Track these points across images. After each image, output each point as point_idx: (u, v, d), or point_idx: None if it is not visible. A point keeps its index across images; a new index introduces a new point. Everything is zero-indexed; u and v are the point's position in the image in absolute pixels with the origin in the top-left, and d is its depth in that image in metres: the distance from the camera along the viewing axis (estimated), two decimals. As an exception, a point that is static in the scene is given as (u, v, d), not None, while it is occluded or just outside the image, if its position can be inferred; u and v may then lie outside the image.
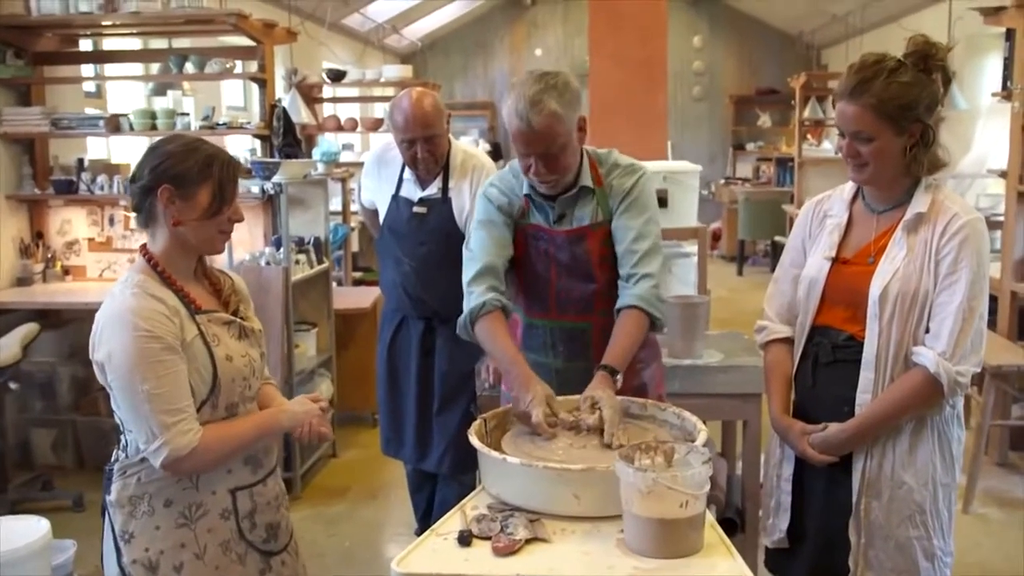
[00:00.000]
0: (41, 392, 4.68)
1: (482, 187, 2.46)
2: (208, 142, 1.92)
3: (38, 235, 4.90)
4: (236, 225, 1.99)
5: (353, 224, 7.00)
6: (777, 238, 10.07)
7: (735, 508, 3.36)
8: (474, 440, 1.99)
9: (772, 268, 10.74)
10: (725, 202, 11.67)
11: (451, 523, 1.84)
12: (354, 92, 8.76)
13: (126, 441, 1.91)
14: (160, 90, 5.80)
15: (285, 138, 4.79)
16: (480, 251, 2.32)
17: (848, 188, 2.23)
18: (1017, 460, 4.68)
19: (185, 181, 1.85)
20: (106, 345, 1.82)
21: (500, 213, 2.36)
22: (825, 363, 2.17)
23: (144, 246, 1.94)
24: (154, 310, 1.82)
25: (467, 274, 2.32)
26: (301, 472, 4.40)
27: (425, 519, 3.61)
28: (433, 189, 3.24)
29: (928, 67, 2.03)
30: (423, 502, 3.63)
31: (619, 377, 2.13)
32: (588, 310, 2.35)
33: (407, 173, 3.28)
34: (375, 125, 8.17)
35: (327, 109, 8.61)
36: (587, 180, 2.33)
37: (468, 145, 3.49)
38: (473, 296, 2.27)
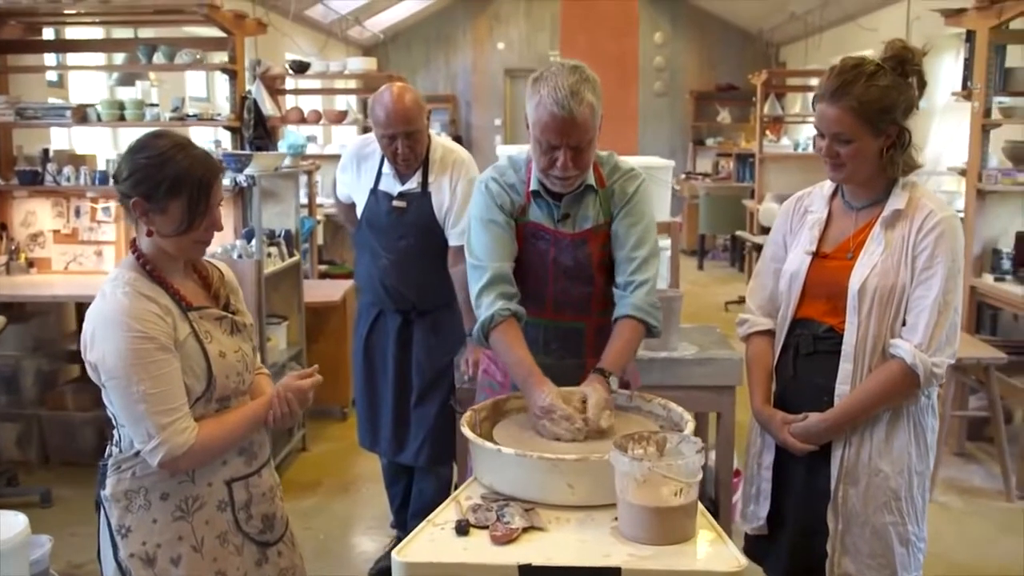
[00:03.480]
0: (5, 386, 4.61)
1: (480, 178, 2.41)
2: (187, 149, 1.86)
3: (1, 227, 4.80)
4: None
5: (319, 217, 6.97)
6: (738, 233, 10.21)
7: (708, 498, 3.43)
8: (466, 431, 2.01)
9: (732, 262, 10.99)
10: (686, 197, 11.78)
11: (447, 513, 1.86)
12: (316, 84, 8.69)
13: (119, 436, 1.90)
14: (128, 80, 5.71)
15: (256, 130, 4.77)
16: (486, 258, 2.28)
17: (828, 185, 2.29)
18: (974, 450, 4.82)
19: (155, 197, 1.83)
20: (99, 346, 1.80)
21: (501, 211, 2.32)
22: (806, 354, 2.23)
23: (134, 242, 1.93)
24: (146, 310, 1.81)
25: (476, 284, 2.27)
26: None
27: (401, 511, 3.63)
28: (412, 184, 3.26)
29: (905, 71, 2.11)
30: (399, 495, 3.65)
31: (612, 379, 2.16)
32: (584, 311, 2.36)
33: (386, 167, 3.28)
34: (339, 117, 8.12)
35: (289, 101, 8.54)
36: (591, 179, 2.32)
37: (447, 140, 3.51)
38: (483, 308, 2.24)
